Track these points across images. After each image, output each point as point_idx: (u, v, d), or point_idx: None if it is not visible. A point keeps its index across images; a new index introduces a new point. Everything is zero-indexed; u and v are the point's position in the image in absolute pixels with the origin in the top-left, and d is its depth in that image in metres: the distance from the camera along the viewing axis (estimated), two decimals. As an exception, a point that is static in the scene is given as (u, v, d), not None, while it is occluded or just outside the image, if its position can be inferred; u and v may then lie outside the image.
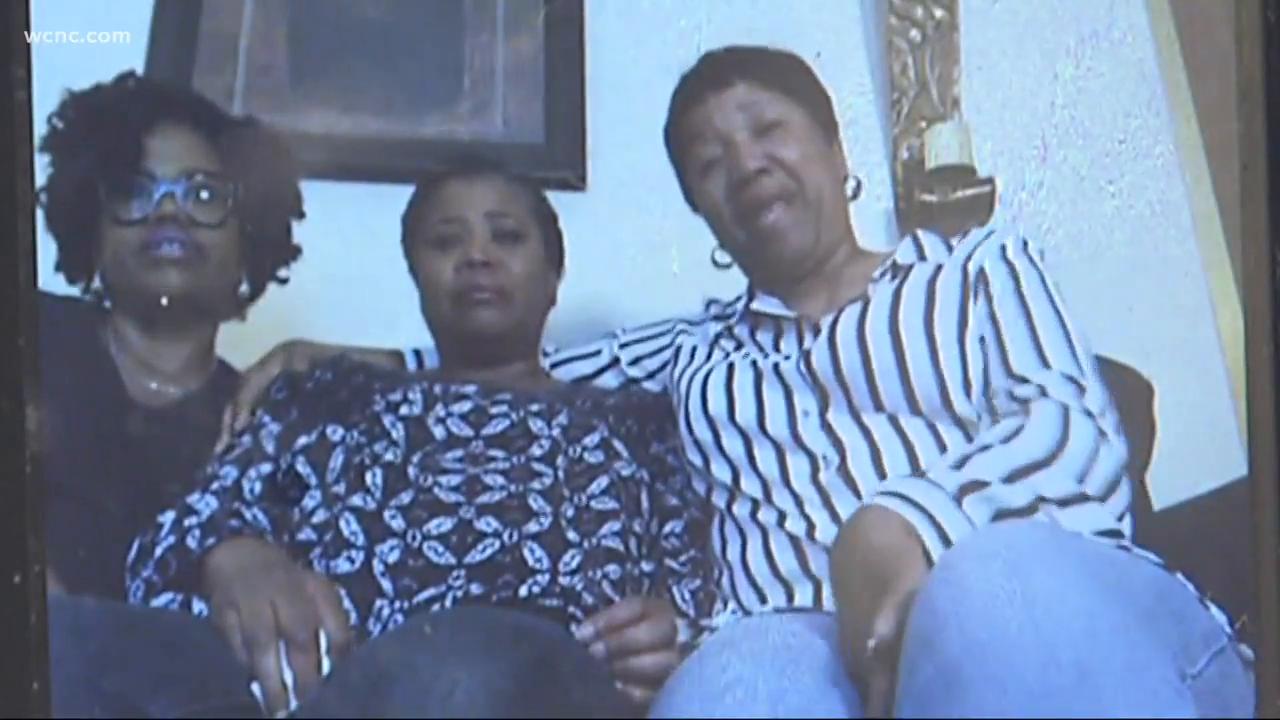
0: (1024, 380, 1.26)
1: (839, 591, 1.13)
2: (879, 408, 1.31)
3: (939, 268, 1.38)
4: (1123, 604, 0.95)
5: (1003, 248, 1.36)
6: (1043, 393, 1.23)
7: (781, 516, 1.31)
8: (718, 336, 1.48)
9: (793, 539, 1.30)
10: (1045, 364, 1.26)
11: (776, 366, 1.37)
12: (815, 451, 1.32)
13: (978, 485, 1.14)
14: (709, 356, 1.45)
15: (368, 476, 1.31)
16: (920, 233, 1.45)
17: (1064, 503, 1.16)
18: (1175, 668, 0.95)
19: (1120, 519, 1.20)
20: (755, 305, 1.44)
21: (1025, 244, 1.36)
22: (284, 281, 1.57)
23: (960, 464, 1.17)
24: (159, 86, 1.70)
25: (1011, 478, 1.15)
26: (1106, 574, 0.97)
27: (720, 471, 1.37)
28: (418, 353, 1.58)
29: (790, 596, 1.29)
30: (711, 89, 1.41)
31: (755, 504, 1.34)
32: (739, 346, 1.45)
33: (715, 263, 1.48)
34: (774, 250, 1.40)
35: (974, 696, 0.90)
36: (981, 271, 1.35)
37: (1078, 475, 1.18)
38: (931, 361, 1.30)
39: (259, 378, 1.48)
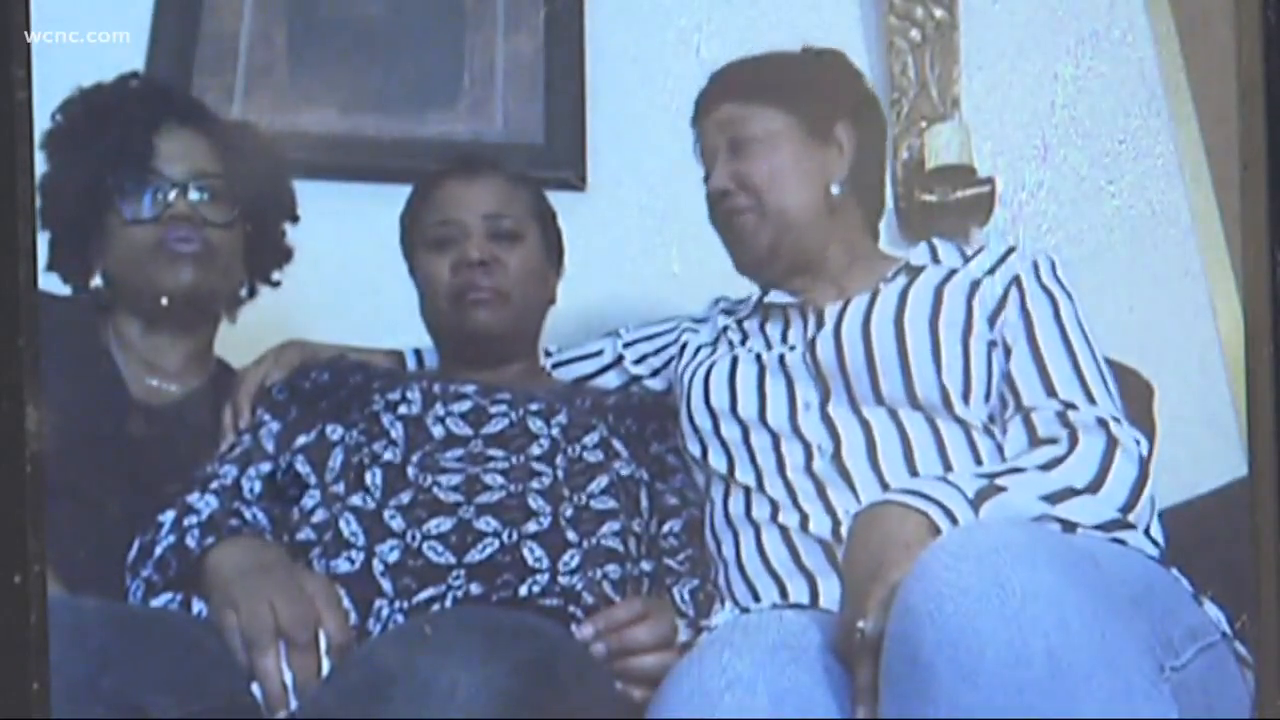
0: (1073, 407, 1.27)
1: (846, 579, 1.14)
2: (879, 401, 1.32)
3: (951, 272, 1.39)
4: (1098, 598, 0.95)
5: (1036, 267, 1.38)
6: (1101, 425, 1.24)
7: (774, 508, 1.32)
8: (724, 329, 1.49)
9: (784, 532, 1.30)
10: (1090, 398, 1.28)
11: (781, 359, 1.39)
12: (811, 441, 1.33)
13: (997, 490, 1.15)
14: (714, 349, 1.46)
15: (367, 476, 1.31)
16: (935, 240, 1.46)
17: (1102, 528, 1.17)
18: (1153, 660, 0.96)
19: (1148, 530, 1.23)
20: (768, 299, 1.46)
21: (1054, 265, 1.38)
22: (276, 284, 1.57)
23: (989, 477, 1.18)
24: (161, 87, 1.70)
25: (1047, 501, 1.16)
26: (1082, 569, 0.98)
27: (717, 461, 1.38)
28: (418, 352, 1.58)
29: (784, 592, 1.30)
30: (704, 112, 1.47)
31: (749, 496, 1.34)
32: (745, 340, 1.46)
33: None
34: (734, 250, 1.46)
35: (947, 693, 0.91)
36: (1017, 283, 1.36)
37: (1120, 507, 1.20)
38: (934, 359, 1.32)
39: (256, 375, 1.48)
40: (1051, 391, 1.29)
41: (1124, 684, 0.91)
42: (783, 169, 1.43)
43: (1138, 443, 1.24)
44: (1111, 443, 1.23)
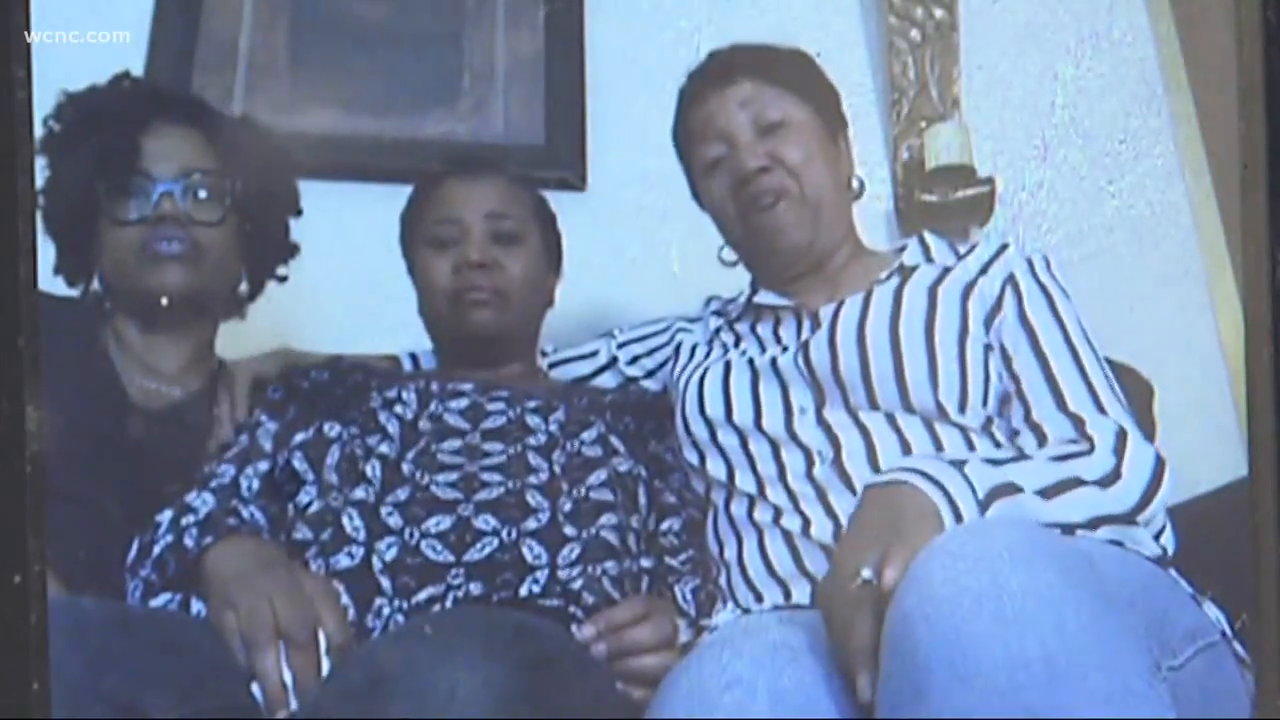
0: (1084, 420, 1.26)
1: (848, 538, 1.13)
2: (875, 406, 1.31)
3: (944, 272, 1.38)
4: (1095, 599, 0.95)
5: (1031, 265, 1.36)
6: (1118, 436, 1.24)
7: (777, 513, 1.31)
8: (717, 331, 1.48)
9: (787, 536, 1.30)
10: (1100, 408, 1.27)
11: (774, 361, 1.38)
12: (810, 447, 1.32)
13: (1011, 490, 1.14)
14: (707, 354, 1.46)
15: (366, 469, 1.31)
16: (927, 234, 1.45)
17: (1104, 521, 1.18)
18: (1149, 660, 0.95)
19: (1158, 537, 1.23)
20: (757, 299, 1.44)
21: (1049, 263, 1.37)
22: (283, 279, 1.57)
23: (1000, 466, 1.17)
24: (154, 86, 1.70)
25: (1057, 488, 1.16)
26: (1080, 571, 0.97)
27: (716, 469, 1.38)
28: (414, 356, 1.58)
29: (787, 595, 1.30)
30: (715, 87, 1.42)
31: (751, 501, 1.34)
32: (738, 342, 1.45)
33: (722, 261, 1.48)
34: (771, 244, 1.41)
35: (940, 696, 0.90)
36: (1012, 283, 1.35)
37: (1130, 507, 1.20)
38: (929, 372, 1.31)
39: (250, 368, 1.47)
40: (1062, 405, 1.28)
41: (1120, 684, 0.90)
42: (813, 155, 1.40)
43: (1155, 452, 1.24)
44: (1123, 450, 1.23)
